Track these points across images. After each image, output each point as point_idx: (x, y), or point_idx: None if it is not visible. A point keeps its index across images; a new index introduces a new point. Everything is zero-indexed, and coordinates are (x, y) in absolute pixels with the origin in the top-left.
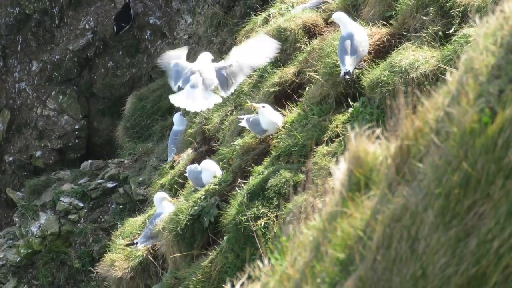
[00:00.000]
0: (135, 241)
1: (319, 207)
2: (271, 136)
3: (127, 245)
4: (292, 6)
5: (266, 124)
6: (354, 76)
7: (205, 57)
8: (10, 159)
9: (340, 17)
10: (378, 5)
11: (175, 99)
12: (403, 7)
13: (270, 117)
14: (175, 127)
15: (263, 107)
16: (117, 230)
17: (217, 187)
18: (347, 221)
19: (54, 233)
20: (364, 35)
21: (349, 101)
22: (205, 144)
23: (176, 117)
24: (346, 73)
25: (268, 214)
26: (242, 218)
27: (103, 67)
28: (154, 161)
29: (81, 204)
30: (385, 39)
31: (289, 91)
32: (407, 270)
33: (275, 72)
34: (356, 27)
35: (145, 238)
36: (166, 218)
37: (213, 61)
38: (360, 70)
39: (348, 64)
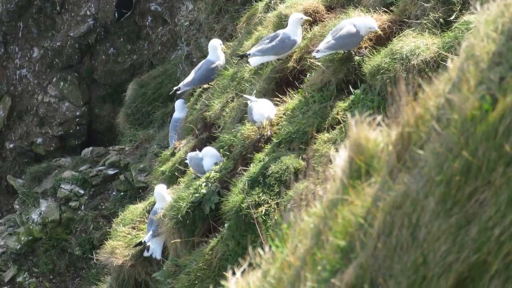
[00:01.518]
0: (142, 240)
1: (320, 194)
2: (269, 125)
3: (136, 245)
4: None
5: (256, 115)
6: (349, 65)
7: None
8: (11, 146)
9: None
10: None
11: None
12: None
13: (259, 109)
14: (176, 114)
15: (255, 101)
16: (117, 217)
17: (218, 174)
18: (348, 208)
19: (54, 220)
20: (362, 31)
21: (350, 88)
22: (206, 131)
23: (178, 104)
24: (314, 51)
25: (269, 201)
26: (243, 205)
27: (104, 54)
28: (155, 148)
29: (81, 191)
30: (386, 26)
31: (290, 77)
32: (408, 258)
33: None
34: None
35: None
36: (167, 206)
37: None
38: (361, 57)
39: (322, 45)
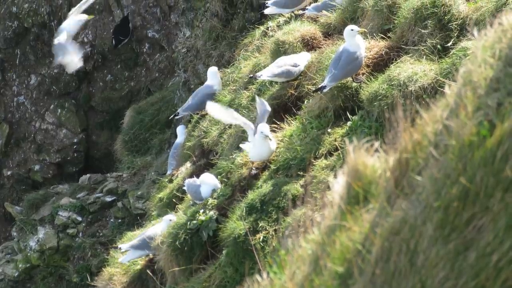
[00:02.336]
0: (119, 246)
1: (317, 220)
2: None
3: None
4: (290, 19)
5: (255, 155)
6: (346, 92)
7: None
8: (9, 173)
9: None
10: (376, 18)
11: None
12: (402, 20)
13: (260, 150)
14: (177, 140)
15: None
16: (115, 244)
17: (215, 201)
18: (345, 235)
19: (52, 248)
20: (362, 52)
21: (348, 114)
22: (204, 158)
23: (180, 129)
24: (321, 88)
25: (267, 228)
26: (241, 232)
27: (102, 81)
28: (152, 175)
29: (79, 218)
30: (383, 52)
31: (288, 104)
32: (406, 284)
33: (273, 86)
34: (360, 42)
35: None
36: (164, 232)
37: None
38: (359, 84)
39: (327, 80)
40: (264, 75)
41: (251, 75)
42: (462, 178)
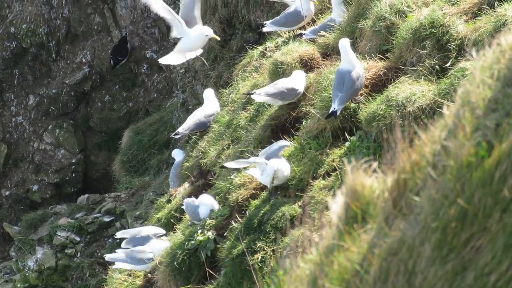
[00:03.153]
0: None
1: (316, 240)
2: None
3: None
4: (288, 40)
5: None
6: (344, 112)
7: None
8: (7, 193)
9: (344, 44)
10: (374, 39)
11: None
12: (400, 41)
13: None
14: (176, 160)
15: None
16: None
17: (214, 221)
18: (344, 255)
19: (51, 267)
20: (361, 70)
21: (346, 135)
22: (202, 178)
23: (175, 152)
24: (332, 113)
25: (265, 248)
26: (239, 252)
27: (100, 101)
28: (151, 195)
29: (77, 238)
30: (381, 72)
31: (286, 124)
32: None
33: (271, 106)
34: (355, 60)
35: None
36: (163, 253)
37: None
38: (357, 104)
39: (337, 104)
40: (257, 97)
41: (245, 93)
42: (460, 198)
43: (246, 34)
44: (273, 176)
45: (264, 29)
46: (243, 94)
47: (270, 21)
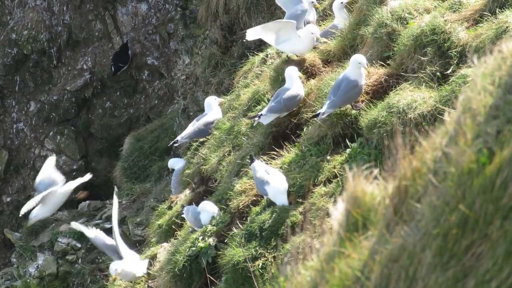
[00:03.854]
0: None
1: (316, 247)
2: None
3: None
4: None
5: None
6: (345, 119)
7: None
8: (8, 199)
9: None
10: (376, 46)
11: None
12: (401, 48)
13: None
14: (176, 169)
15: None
16: None
17: (214, 227)
18: (344, 262)
19: (52, 274)
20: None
21: (347, 141)
22: (203, 185)
23: (171, 162)
24: (317, 114)
25: (266, 255)
26: (240, 259)
27: (101, 108)
28: (152, 202)
29: (78, 245)
30: (383, 79)
31: (287, 131)
32: None
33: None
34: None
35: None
36: (163, 259)
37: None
38: (358, 111)
39: (325, 107)
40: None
41: (252, 116)
42: (461, 205)
43: (247, 40)
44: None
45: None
46: (250, 118)
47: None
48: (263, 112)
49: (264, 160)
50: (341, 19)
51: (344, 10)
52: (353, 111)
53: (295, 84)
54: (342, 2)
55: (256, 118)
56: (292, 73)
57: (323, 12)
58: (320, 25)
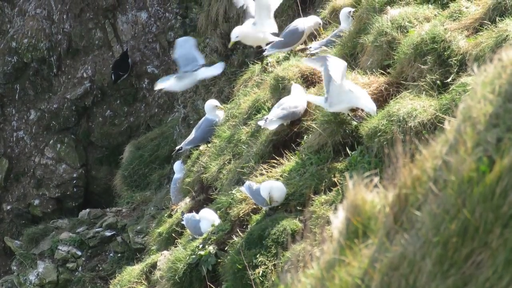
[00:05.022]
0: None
1: (317, 255)
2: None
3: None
4: (289, 55)
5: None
6: (346, 127)
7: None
8: (8, 207)
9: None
10: (376, 54)
11: None
12: (401, 56)
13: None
14: (175, 175)
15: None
16: (115, 278)
17: (215, 235)
18: (345, 270)
19: (52, 282)
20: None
21: (347, 150)
22: (203, 193)
23: (176, 165)
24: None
25: (266, 263)
26: (240, 267)
27: (101, 116)
28: (152, 210)
29: (79, 253)
30: (383, 87)
31: (287, 139)
32: None
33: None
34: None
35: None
36: (164, 267)
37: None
38: (358, 123)
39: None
40: (271, 125)
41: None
42: (461, 213)
43: (247, 49)
44: (269, 198)
45: (265, 53)
46: (258, 120)
47: (269, 45)
48: (270, 117)
49: (264, 169)
50: (346, 27)
51: (350, 20)
52: (354, 123)
53: (298, 94)
54: (350, 12)
55: (263, 121)
56: (297, 87)
57: (323, 21)
58: (318, 34)
